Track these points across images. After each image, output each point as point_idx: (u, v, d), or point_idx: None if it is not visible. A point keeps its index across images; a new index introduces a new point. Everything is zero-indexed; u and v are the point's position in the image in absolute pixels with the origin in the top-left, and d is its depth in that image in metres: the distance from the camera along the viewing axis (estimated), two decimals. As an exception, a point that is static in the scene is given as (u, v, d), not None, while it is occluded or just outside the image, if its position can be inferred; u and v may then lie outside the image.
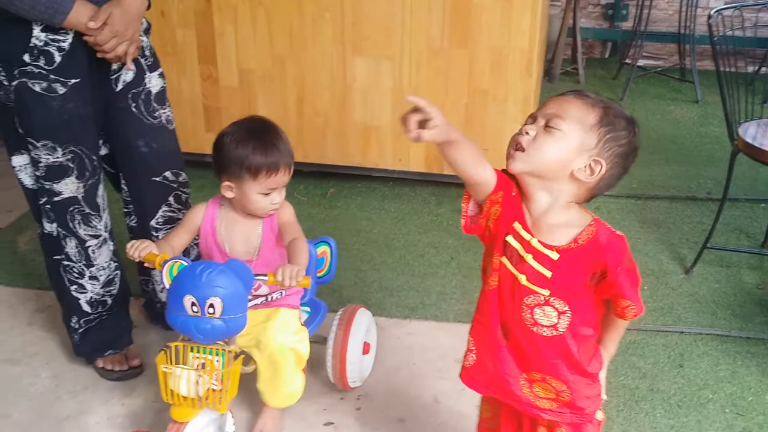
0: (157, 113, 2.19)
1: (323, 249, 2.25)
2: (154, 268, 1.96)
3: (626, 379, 2.33)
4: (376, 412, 2.22)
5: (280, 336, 1.99)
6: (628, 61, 5.12)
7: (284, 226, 2.01)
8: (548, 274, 1.42)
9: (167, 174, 2.24)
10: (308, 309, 2.25)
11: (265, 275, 1.82)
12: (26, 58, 1.93)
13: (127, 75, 2.10)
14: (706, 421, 2.16)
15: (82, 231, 2.17)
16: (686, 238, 3.12)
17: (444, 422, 2.17)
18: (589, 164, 1.37)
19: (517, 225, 1.43)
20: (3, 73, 1.97)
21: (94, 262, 2.22)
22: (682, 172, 3.76)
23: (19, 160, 2.11)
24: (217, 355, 1.83)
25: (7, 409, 2.24)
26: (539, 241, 1.41)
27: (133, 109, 2.14)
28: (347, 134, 3.49)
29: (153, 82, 2.17)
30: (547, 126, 1.40)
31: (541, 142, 1.39)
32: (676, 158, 3.94)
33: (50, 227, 2.18)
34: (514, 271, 1.45)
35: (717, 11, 2.70)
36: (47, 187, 2.09)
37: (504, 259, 1.46)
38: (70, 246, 2.18)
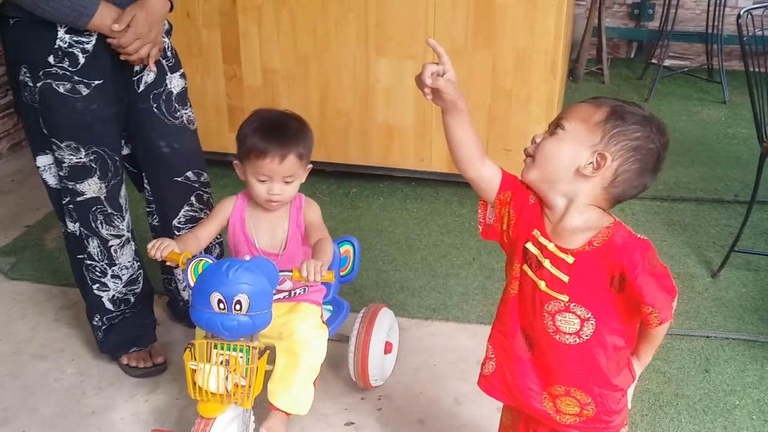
0: (178, 114, 2.20)
1: (346, 248, 2.26)
2: (176, 267, 1.98)
3: (651, 383, 2.30)
4: (397, 412, 2.22)
5: (302, 327, 2.01)
6: (654, 61, 5.06)
7: (310, 225, 2.03)
8: (565, 278, 1.39)
9: (189, 174, 2.26)
10: (330, 308, 2.26)
11: (290, 271, 1.84)
12: (51, 59, 1.95)
13: (149, 76, 2.12)
14: (732, 427, 2.14)
15: (104, 231, 2.19)
16: (713, 241, 3.08)
17: (464, 425, 2.16)
18: (595, 159, 1.34)
19: (536, 232, 1.42)
20: (28, 75, 1.99)
21: (116, 262, 2.24)
22: (708, 174, 3.71)
23: (44, 160, 2.13)
24: (240, 351, 1.84)
25: (34, 404, 2.27)
26: (556, 245, 1.39)
27: (155, 110, 2.15)
28: (370, 134, 3.49)
29: (174, 83, 2.18)
30: (553, 130, 1.40)
31: (544, 144, 1.40)
32: (703, 160, 3.89)
33: (73, 227, 2.21)
34: (534, 278, 1.43)
35: (746, 11, 2.67)
36: (70, 187, 2.12)
37: (525, 267, 1.44)
38: (93, 245, 2.20)
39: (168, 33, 2.17)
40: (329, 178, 3.62)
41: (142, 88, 2.12)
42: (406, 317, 2.62)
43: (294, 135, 1.96)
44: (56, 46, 1.95)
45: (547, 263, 1.40)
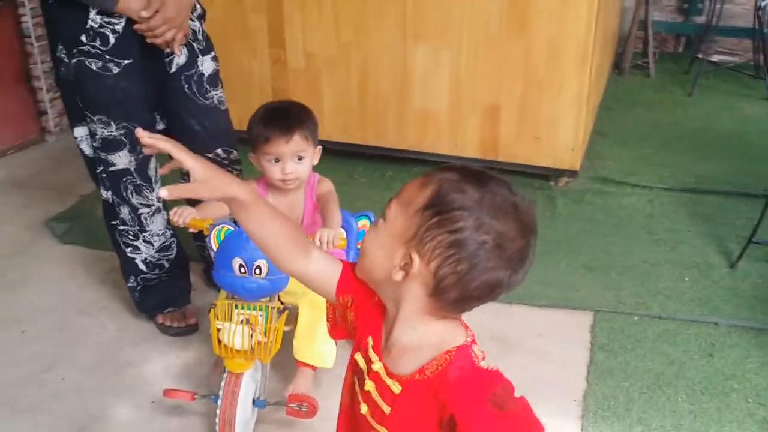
0: (209, 94, 2.35)
1: (363, 222, 2.36)
2: (199, 233, 2.14)
3: (653, 364, 2.38)
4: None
5: None
6: (700, 55, 5.05)
7: (321, 197, 2.18)
8: (387, 409, 1.11)
9: (219, 151, 2.41)
10: None
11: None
12: (83, 38, 2.11)
13: (180, 58, 2.26)
14: (726, 409, 2.21)
15: (134, 200, 2.35)
16: (736, 233, 3.11)
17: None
18: (406, 260, 1.04)
19: (370, 339, 1.14)
20: (64, 51, 2.17)
21: (147, 228, 2.41)
22: (742, 168, 3.71)
23: (80, 131, 2.31)
24: (260, 311, 2.00)
25: (76, 355, 2.48)
26: (384, 366, 1.11)
27: (186, 90, 2.30)
28: (406, 119, 3.61)
29: (205, 65, 2.32)
30: (379, 217, 1.12)
31: (365, 237, 1.13)
32: (739, 154, 3.89)
33: (106, 194, 2.39)
34: (359, 397, 1.16)
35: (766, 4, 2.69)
36: (103, 157, 2.29)
37: (355, 379, 1.18)
38: (124, 212, 2.38)
39: (201, 17, 2.32)
40: (367, 161, 3.75)
41: (173, 69, 2.27)
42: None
43: (296, 117, 2.09)
44: (88, 26, 2.11)
45: (369, 386, 1.13)
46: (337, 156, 3.54)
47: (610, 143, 4.00)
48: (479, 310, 1.10)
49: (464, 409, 1.02)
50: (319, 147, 2.16)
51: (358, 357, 1.16)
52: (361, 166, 3.73)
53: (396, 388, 1.09)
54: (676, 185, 3.50)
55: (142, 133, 1.12)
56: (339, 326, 1.23)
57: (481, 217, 1.00)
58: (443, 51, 3.42)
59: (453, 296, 1.03)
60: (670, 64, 5.29)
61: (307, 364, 2.17)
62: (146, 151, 1.14)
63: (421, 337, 1.08)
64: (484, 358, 1.07)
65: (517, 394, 1.05)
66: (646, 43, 5.05)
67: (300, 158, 2.09)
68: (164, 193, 1.08)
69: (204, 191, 1.11)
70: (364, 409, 1.15)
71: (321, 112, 3.61)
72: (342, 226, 2.22)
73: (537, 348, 2.49)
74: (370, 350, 1.13)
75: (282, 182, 2.10)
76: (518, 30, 3.29)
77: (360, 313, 1.17)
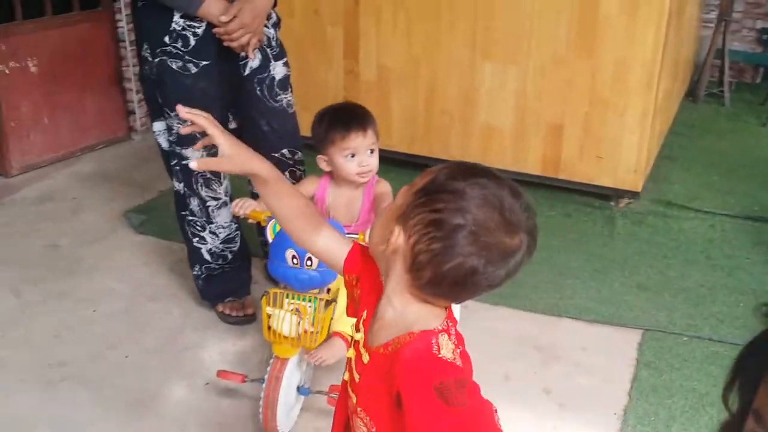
0: (278, 97, 2.49)
1: None
2: (258, 224, 2.26)
3: (699, 384, 2.38)
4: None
5: None
6: (780, 86, 4.96)
7: (379, 196, 2.26)
8: (357, 377, 1.18)
9: (284, 151, 2.55)
10: None
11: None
12: (166, 39, 2.29)
13: (254, 62, 2.41)
14: (769, 432, 2.18)
15: (203, 192, 2.51)
16: (799, 264, 3.06)
17: (512, 395, 2.33)
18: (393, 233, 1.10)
19: (364, 314, 1.20)
20: (148, 51, 2.35)
21: (214, 220, 2.56)
22: (813, 201, 3.65)
23: (158, 126, 2.49)
24: (310, 301, 2.10)
25: (139, 336, 2.64)
26: (364, 336, 1.18)
27: (258, 93, 2.45)
28: (470, 133, 3.69)
29: (277, 70, 2.47)
30: None
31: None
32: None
33: (178, 186, 2.55)
34: (351, 365, 1.22)
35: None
36: (177, 151, 2.46)
37: (351, 351, 1.24)
38: (194, 204, 2.54)
39: (276, 25, 2.47)
40: (430, 173, 3.83)
41: (247, 72, 2.43)
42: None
43: (364, 115, 2.21)
44: (171, 28, 2.28)
45: (351, 353, 1.21)
46: (403, 167, 3.64)
47: (677, 168, 3.98)
48: (526, 321, 1.13)
49: (408, 390, 1.04)
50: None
51: (353, 330, 1.23)
52: (425, 178, 3.81)
53: (365, 358, 1.15)
54: (740, 213, 3.47)
55: (181, 108, 1.24)
56: (350, 305, 1.30)
57: (464, 204, 1.03)
58: (510, 69, 3.49)
59: (427, 275, 1.06)
60: (746, 93, 5.21)
61: (341, 335, 2.21)
62: (183, 131, 1.28)
63: (400, 314, 1.12)
64: (453, 351, 1.08)
65: (496, 409, 1.07)
66: (722, 72, 4.99)
67: (372, 151, 2.20)
68: (194, 164, 1.21)
69: (229, 166, 1.24)
70: (346, 375, 1.22)
71: (389, 123, 3.75)
72: None
73: (581, 360, 2.52)
74: (361, 323, 1.19)
75: (359, 175, 2.20)
76: (586, 51, 3.34)
77: (364, 291, 1.23)
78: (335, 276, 2.08)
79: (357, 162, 2.18)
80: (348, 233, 2.09)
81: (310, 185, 2.31)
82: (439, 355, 1.05)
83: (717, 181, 3.85)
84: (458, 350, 1.09)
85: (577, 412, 2.30)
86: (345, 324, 2.23)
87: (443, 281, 1.05)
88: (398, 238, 1.08)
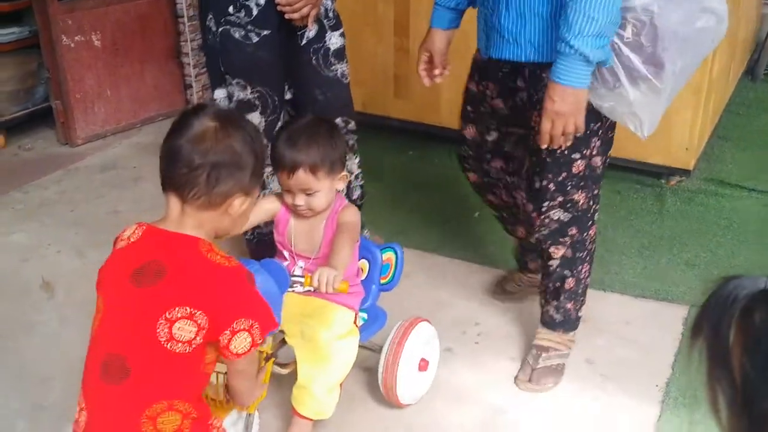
0: (333, 67, 2.56)
1: (389, 255, 2.20)
2: None
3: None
4: (492, 347, 2.49)
5: (325, 335, 1.94)
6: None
7: (340, 226, 1.96)
8: None
9: (338, 120, 2.60)
10: (365, 316, 2.13)
11: (302, 276, 1.81)
12: (230, 9, 2.36)
13: (311, 32, 2.48)
14: (813, 408, 2.17)
15: None
16: None
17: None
18: None
19: None
20: (213, 20, 2.42)
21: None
22: None
23: (219, 93, 2.56)
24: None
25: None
26: None
27: (313, 62, 2.52)
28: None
29: (333, 41, 2.53)
30: None
31: None
32: None
33: None
34: None
35: None
36: None
37: None
38: None
39: None
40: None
41: (304, 42, 2.49)
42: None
43: (307, 148, 1.89)
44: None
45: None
46: (453, 143, 3.66)
47: (731, 147, 3.92)
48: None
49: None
50: (345, 173, 1.99)
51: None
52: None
53: None
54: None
55: None
56: None
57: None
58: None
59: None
60: (809, 73, 5.06)
61: (304, 416, 2.00)
62: None
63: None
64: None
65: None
66: (783, 51, 4.87)
67: (309, 193, 1.92)
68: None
69: None
70: None
71: (438, 101, 3.77)
72: (366, 257, 2.15)
73: (625, 334, 2.54)
74: None
75: (294, 212, 1.99)
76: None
77: None
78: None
79: (291, 199, 1.94)
80: (305, 268, 1.95)
81: (270, 204, 2.03)
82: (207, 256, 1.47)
83: (773, 161, 3.79)
84: None
85: (619, 382, 2.33)
86: (309, 405, 1.97)
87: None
88: None
